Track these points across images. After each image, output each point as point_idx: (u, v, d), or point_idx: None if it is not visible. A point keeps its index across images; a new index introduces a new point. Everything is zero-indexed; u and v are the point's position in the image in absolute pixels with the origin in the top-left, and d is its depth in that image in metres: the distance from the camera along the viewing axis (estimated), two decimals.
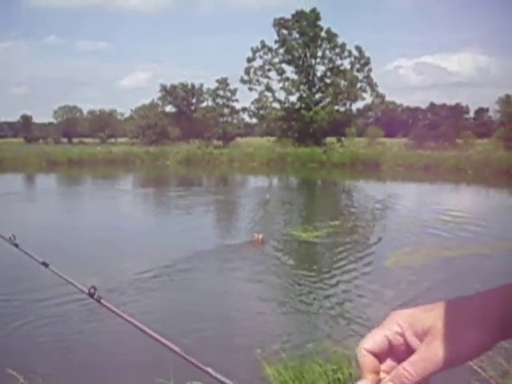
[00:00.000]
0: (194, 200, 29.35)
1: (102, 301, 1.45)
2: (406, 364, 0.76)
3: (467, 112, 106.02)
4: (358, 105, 70.70)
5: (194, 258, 14.72)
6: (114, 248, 16.85)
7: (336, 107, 67.18)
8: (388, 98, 77.45)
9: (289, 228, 19.64)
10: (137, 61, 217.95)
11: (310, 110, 64.45)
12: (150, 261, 14.20)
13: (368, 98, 68.03)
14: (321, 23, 66.85)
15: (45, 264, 2.05)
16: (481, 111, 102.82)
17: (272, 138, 70.13)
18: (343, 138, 66.86)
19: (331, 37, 66.84)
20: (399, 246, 16.00)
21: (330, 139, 66.68)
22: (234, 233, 19.98)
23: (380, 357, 0.80)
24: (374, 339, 0.80)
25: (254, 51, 67.46)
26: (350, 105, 68.44)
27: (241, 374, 5.12)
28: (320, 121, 63.59)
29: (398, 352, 0.80)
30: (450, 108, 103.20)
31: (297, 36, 67.06)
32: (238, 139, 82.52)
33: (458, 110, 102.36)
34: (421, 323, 0.78)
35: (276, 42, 67.40)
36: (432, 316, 0.78)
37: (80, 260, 14.21)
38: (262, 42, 67.46)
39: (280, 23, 67.12)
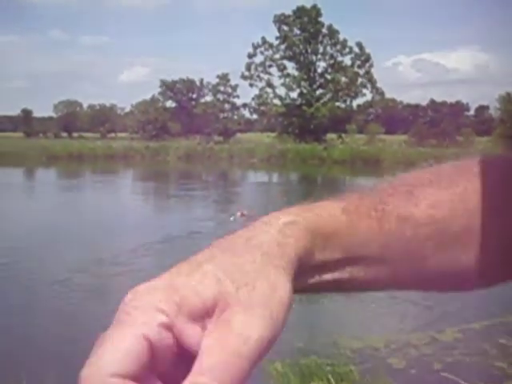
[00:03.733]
0: (194, 193, 29.72)
1: None
2: (195, 378, 0.40)
3: (468, 109, 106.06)
4: (359, 101, 70.65)
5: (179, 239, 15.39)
6: (112, 231, 17.71)
7: (337, 104, 67.14)
8: (387, 95, 77.52)
9: None
10: (137, 56, 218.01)
11: (310, 106, 64.34)
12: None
13: (368, 95, 68.08)
14: (322, 19, 66.90)
15: None
16: (481, 109, 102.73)
17: (272, 134, 69.98)
18: (344, 135, 66.75)
19: (332, 33, 66.77)
20: None
21: (330, 136, 66.59)
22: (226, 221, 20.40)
23: (136, 375, 0.40)
24: (127, 351, 0.40)
25: (255, 47, 67.42)
26: (351, 101, 68.50)
27: None
28: (321, 117, 63.52)
29: (160, 360, 0.42)
30: (450, 105, 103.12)
31: (298, 32, 66.99)
32: (239, 135, 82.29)
33: (458, 108, 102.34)
34: (198, 298, 0.43)
35: (277, 38, 67.40)
36: (213, 279, 0.44)
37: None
38: (263, 38, 67.45)
39: (281, 19, 66.99)
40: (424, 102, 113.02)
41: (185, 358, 0.43)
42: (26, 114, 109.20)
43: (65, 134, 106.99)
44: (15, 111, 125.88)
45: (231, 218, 15.75)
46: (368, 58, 66.12)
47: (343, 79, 66.12)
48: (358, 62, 66.35)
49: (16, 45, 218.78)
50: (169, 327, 0.42)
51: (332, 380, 5.44)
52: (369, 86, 66.60)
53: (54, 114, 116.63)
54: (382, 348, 8.13)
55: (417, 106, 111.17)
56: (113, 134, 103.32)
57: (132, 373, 0.40)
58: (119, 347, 0.40)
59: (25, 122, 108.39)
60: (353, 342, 8.42)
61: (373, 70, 66.76)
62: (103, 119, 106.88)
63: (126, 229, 18.32)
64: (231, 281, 0.44)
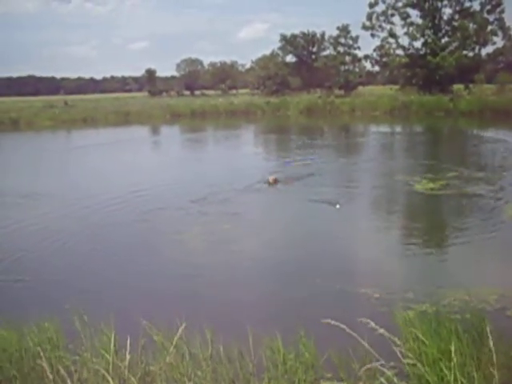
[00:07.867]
0: (315, 143, 31.05)
1: None
2: None
3: None
4: (488, 49, 66.96)
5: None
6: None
7: (464, 52, 63.81)
8: None
9: (403, 176, 18.95)
10: (256, 12, 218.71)
11: (436, 55, 61.51)
12: None
13: (499, 42, 64.28)
14: None
15: None
16: None
17: (395, 87, 67.66)
18: (471, 85, 63.55)
19: None
20: None
21: (456, 86, 63.69)
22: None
23: None
24: None
25: None
26: (479, 49, 64.74)
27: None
28: (447, 67, 60.56)
29: None
30: None
31: None
32: (360, 88, 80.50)
33: None
34: None
35: None
36: None
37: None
38: None
39: None
40: None
41: None
42: (150, 73, 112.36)
43: (187, 92, 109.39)
44: (140, 72, 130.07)
45: (337, 206, 14.80)
46: (499, 3, 62.01)
47: (471, 26, 62.63)
48: (488, 7, 62.45)
49: (138, 7, 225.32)
50: None
51: (460, 329, 5.17)
52: (500, 33, 62.82)
53: (176, 73, 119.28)
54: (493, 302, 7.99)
55: None
56: (234, 91, 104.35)
57: None
58: None
59: (149, 81, 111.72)
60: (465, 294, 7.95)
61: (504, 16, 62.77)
62: (224, 76, 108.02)
63: (242, 173, 20.68)
64: None
